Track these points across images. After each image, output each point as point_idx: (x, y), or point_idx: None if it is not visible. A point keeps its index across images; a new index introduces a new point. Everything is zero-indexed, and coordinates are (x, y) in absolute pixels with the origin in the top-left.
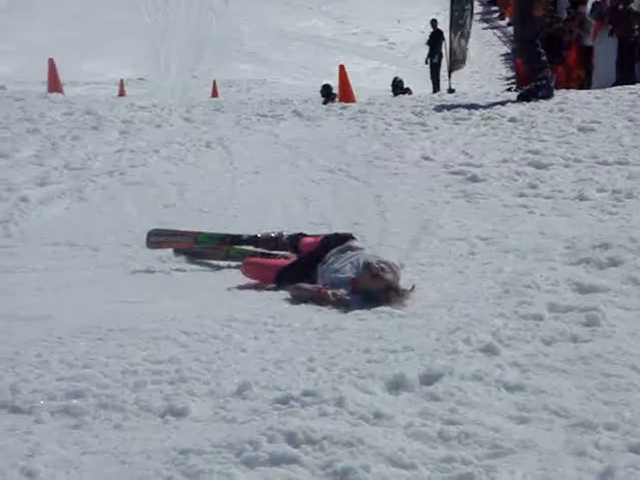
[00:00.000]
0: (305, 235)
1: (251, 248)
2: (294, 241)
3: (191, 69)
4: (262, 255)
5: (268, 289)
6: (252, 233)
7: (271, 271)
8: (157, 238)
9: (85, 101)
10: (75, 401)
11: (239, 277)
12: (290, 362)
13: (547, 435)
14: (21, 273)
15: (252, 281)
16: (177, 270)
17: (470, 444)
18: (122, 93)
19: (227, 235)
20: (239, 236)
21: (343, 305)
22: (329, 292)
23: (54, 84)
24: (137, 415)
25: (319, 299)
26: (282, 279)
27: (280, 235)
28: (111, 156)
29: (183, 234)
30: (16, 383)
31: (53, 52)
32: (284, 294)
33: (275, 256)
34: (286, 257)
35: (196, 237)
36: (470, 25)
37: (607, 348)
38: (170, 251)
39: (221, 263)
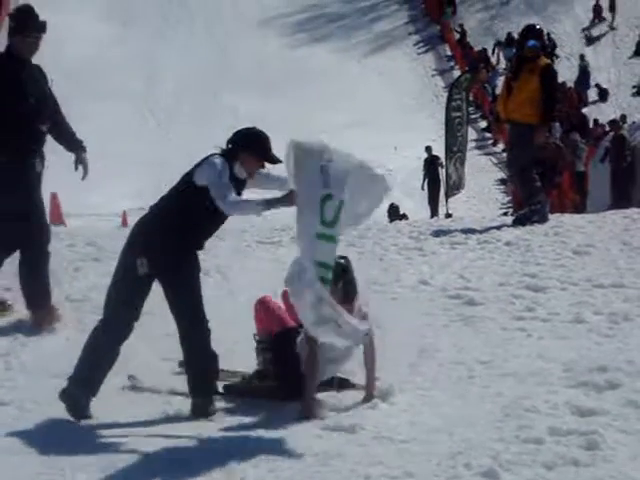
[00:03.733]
0: None
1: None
2: None
3: None
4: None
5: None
6: None
7: (275, 324)
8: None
9: (87, 233)
10: None
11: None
12: None
13: None
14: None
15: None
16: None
17: None
18: (125, 223)
19: None
20: None
21: None
22: None
23: (56, 217)
24: None
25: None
26: (280, 338)
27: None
28: None
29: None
30: None
31: (55, 186)
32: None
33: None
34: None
35: None
36: (465, 151)
37: (609, 472)
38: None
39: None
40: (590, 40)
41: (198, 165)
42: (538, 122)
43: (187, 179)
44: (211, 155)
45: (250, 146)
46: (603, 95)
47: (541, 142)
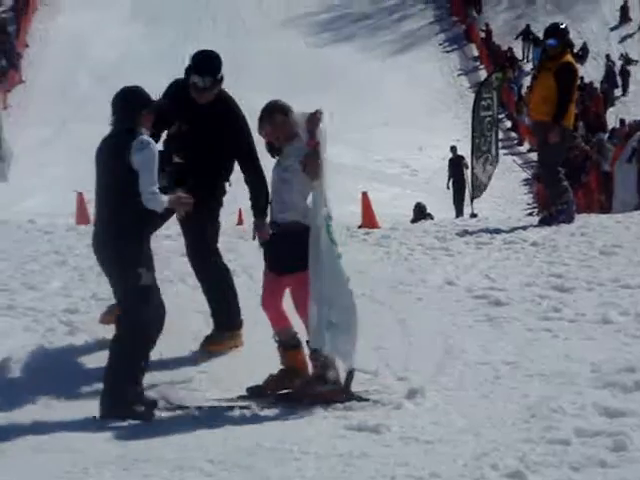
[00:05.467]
0: None
1: None
2: None
3: None
4: None
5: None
6: None
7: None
8: None
9: None
10: None
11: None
12: None
13: None
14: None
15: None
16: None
17: None
18: None
19: None
20: None
21: None
22: None
23: (82, 217)
24: None
25: None
26: None
27: None
28: None
29: None
30: None
31: (80, 185)
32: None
33: None
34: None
35: None
36: (497, 152)
37: (636, 474)
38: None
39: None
40: (628, 61)
41: (124, 150)
42: (550, 121)
43: (120, 166)
44: (127, 136)
45: (138, 106)
46: (628, 63)
47: (556, 141)
